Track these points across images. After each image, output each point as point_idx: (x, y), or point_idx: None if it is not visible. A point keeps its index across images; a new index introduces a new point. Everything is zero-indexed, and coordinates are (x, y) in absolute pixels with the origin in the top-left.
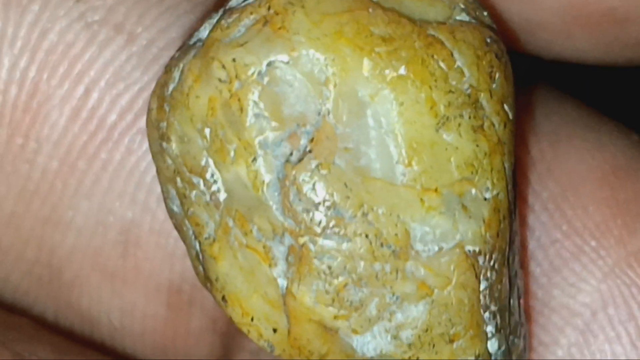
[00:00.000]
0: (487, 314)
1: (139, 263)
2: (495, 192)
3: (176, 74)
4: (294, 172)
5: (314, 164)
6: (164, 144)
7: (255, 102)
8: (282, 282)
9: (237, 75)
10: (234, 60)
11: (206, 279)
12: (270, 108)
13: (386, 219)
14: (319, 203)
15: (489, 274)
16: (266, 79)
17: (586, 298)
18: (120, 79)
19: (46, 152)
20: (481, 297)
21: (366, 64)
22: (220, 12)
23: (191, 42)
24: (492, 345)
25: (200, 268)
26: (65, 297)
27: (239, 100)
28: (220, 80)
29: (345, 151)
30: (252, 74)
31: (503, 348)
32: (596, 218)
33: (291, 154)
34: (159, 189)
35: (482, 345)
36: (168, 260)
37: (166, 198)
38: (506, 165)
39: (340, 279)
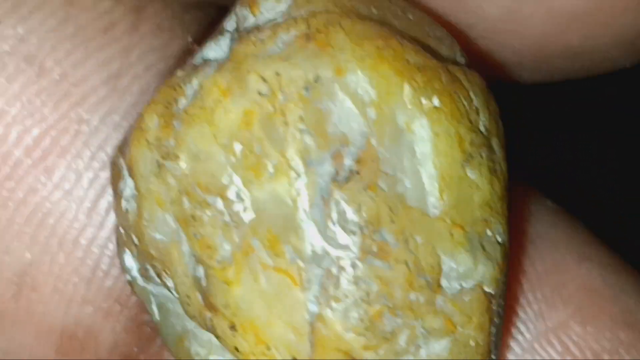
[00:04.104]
0: None
1: (32, 305)
2: (505, 238)
3: (189, 91)
4: (340, 192)
5: (361, 185)
6: (168, 164)
7: (301, 117)
8: (313, 307)
9: (282, 88)
10: (277, 73)
11: (208, 308)
12: (314, 125)
13: (424, 249)
14: (364, 225)
15: (496, 320)
16: (311, 95)
17: None
18: (28, 114)
19: None
20: (490, 342)
21: (407, 89)
22: (228, 34)
23: (197, 62)
24: None
25: (198, 296)
26: None
27: (283, 114)
28: (260, 93)
29: (386, 176)
30: (299, 88)
31: None
32: (515, 291)
33: (337, 173)
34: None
35: None
36: (64, 304)
37: (146, 227)
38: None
39: (377, 306)
